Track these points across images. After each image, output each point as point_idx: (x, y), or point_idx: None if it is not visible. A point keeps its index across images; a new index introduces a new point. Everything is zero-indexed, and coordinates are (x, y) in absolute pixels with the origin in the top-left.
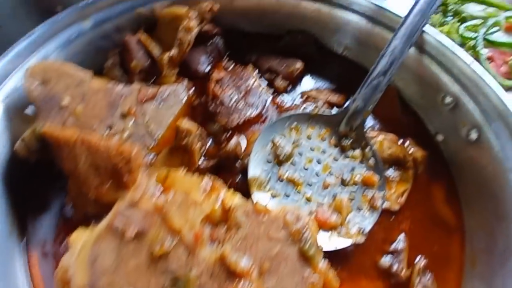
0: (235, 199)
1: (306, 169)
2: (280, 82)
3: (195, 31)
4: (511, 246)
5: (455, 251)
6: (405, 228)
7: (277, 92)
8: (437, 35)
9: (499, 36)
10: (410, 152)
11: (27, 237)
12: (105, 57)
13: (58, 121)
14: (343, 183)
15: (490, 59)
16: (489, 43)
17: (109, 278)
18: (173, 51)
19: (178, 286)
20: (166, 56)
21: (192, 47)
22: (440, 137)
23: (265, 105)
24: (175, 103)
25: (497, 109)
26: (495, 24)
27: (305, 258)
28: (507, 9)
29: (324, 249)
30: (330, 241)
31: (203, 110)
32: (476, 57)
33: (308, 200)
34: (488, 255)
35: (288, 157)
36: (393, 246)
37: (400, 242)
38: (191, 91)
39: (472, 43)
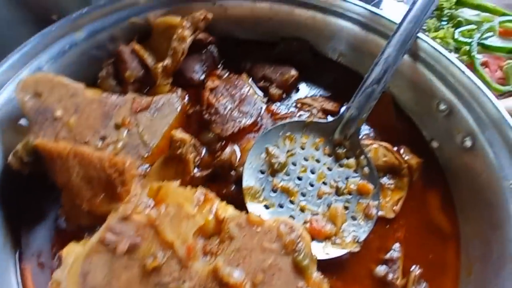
0: (228, 211)
1: (301, 179)
2: (274, 90)
3: (189, 40)
4: (506, 254)
5: (450, 259)
6: (400, 237)
7: (271, 100)
8: (431, 42)
9: (494, 41)
10: (405, 159)
11: (21, 249)
12: (99, 67)
13: (51, 133)
14: (338, 192)
15: (484, 64)
16: (484, 48)
17: None
18: (167, 61)
19: None
20: (160, 65)
21: (186, 55)
22: (435, 144)
23: (259, 113)
24: (170, 112)
25: (491, 116)
26: (489, 29)
27: (299, 269)
28: (501, 14)
29: (319, 258)
30: (324, 251)
31: (197, 118)
32: (471, 62)
33: (303, 209)
34: (483, 263)
35: (282, 166)
36: (388, 255)
37: (395, 251)
38: (186, 100)
39: (467, 48)
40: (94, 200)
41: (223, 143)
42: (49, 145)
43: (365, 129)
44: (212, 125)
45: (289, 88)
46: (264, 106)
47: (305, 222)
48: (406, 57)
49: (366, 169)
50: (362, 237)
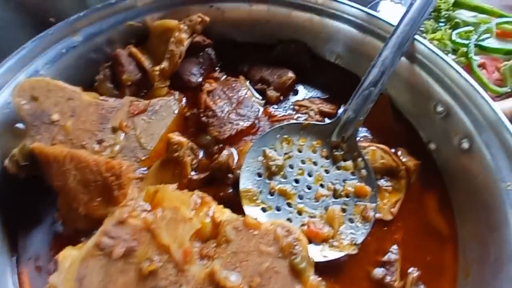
0: (225, 214)
1: (298, 181)
2: (272, 93)
3: (186, 43)
4: (503, 255)
5: (448, 261)
6: (398, 239)
7: (269, 102)
8: (428, 44)
9: (491, 43)
10: (402, 161)
11: (18, 253)
12: (97, 70)
13: (48, 137)
14: (335, 194)
15: (482, 66)
16: (481, 50)
17: None
18: (164, 64)
19: None
20: (157, 68)
21: (184, 58)
22: (432, 146)
23: (257, 115)
24: (167, 115)
25: (487, 119)
26: (486, 30)
27: (296, 272)
28: (498, 16)
29: (316, 261)
30: (322, 253)
31: (195, 121)
32: (468, 63)
33: (300, 212)
34: (481, 265)
35: (280, 169)
36: (386, 257)
37: (393, 253)
38: (183, 102)
39: (464, 49)
40: (91, 203)
41: (220, 146)
42: (45, 149)
43: (362, 131)
44: (209, 127)
45: (287, 90)
46: (261, 109)
47: (302, 225)
48: (403, 59)
49: (363, 171)
50: (360, 239)
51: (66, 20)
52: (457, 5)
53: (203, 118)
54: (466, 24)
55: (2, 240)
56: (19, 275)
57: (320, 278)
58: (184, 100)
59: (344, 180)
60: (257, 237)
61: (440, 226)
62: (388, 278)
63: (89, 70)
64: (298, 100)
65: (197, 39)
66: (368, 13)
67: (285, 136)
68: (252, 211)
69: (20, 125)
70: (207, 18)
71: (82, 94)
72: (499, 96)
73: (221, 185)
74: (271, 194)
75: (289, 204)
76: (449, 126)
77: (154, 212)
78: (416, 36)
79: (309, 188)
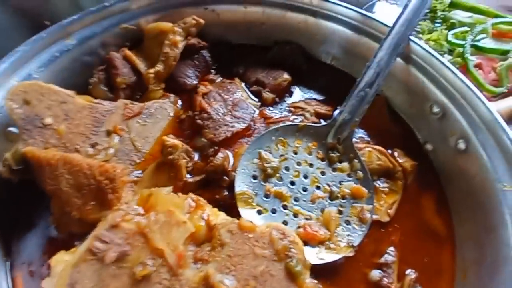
0: (219, 217)
1: (294, 183)
2: (267, 94)
3: (180, 45)
4: (500, 257)
5: (445, 263)
6: (395, 240)
7: (264, 104)
8: (424, 45)
9: (487, 43)
10: (399, 162)
11: (12, 257)
12: (91, 74)
13: (41, 140)
14: (331, 196)
15: (478, 66)
16: (477, 50)
17: None
18: (159, 66)
19: None
20: (152, 71)
21: (179, 60)
22: (429, 147)
23: (252, 117)
24: (162, 118)
25: (483, 119)
26: (482, 31)
27: (292, 275)
28: (494, 16)
29: (313, 263)
30: (318, 256)
31: (190, 124)
32: (465, 64)
33: (296, 214)
34: (478, 266)
35: (275, 171)
36: (383, 259)
37: (390, 255)
38: (179, 105)
39: (460, 50)
40: (84, 207)
41: (215, 148)
42: (37, 152)
43: (359, 132)
44: (204, 130)
45: (282, 92)
46: (257, 111)
47: (298, 227)
48: (399, 60)
49: (360, 173)
50: (357, 241)
51: (60, 23)
52: (453, 6)
53: (198, 121)
54: (462, 24)
55: None
56: (13, 280)
57: (316, 281)
58: (179, 102)
59: (340, 182)
60: (252, 240)
61: (437, 227)
62: (385, 280)
63: (83, 73)
64: (293, 102)
65: (192, 41)
66: (363, 14)
67: (281, 138)
68: (247, 213)
69: (13, 129)
70: (201, 20)
71: (76, 98)
72: (495, 96)
73: (216, 187)
74: (267, 196)
75: (285, 207)
76: (445, 126)
77: (148, 216)
78: (412, 37)
79: (305, 190)
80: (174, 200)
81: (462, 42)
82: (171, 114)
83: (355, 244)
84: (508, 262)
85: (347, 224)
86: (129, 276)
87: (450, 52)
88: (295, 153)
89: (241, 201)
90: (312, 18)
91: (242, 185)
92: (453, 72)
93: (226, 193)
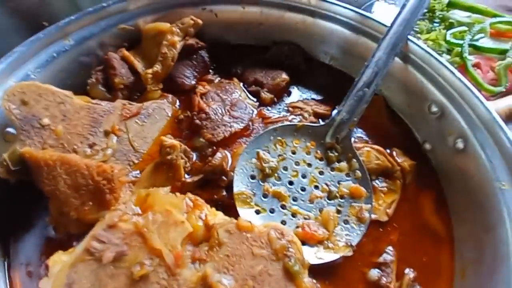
0: (217, 217)
1: (292, 183)
2: (266, 94)
3: (178, 46)
4: (498, 256)
5: (444, 262)
6: (394, 240)
7: (263, 104)
8: (422, 44)
9: (485, 42)
10: (397, 162)
11: (10, 258)
12: (89, 74)
13: (38, 141)
14: (330, 196)
15: (476, 65)
16: (476, 49)
17: None
18: (157, 67)
19: None
20: (150, 71)
21: (177, 61)
22: (427, 146)
23: (251, 117)
24: (160, 118)
25: (482, 118)
26: (481, 30)
27: (290, 275)
28: (492, 15)
29: (311, 263)
30: (317, 255)
31: (188, 124)
32: (463, 63)
33: (294, 214)
34: (477, 265)
35: (273, 171)
36: (381, 258)
37: (389, 254)
38: (177, 105)
39: (458, 49)
40: (82, 208)
41: (214, 148)
42: (35, 153)
43: (357, 132)
44: (203, 130)
45: (281, 92)
46: (255, 111)
47: (297, 227)
48: (397, 60)
49: (358, 172)
50: (355, 241)
51: (57, 23)
52: (451, 5)
53: (197, 121)
54: (460, 24)
55: None
56: (11, 280)
57: (315, 281)
58: (177, 103)
59: (338, 182)
60: (250, 240)
61: (436, 226)
62: (384, 280)
63: (81, 74)
64: (292, 102)
65: (190, 41)
66: (361, 14)
67: (279, 138)
68: (246, 213)
69: (10, 130)
70: (199, 21)
71: (74, 98)
72: (494, 96)
73: (215, 187)
74: (265, 196)
75: (283, 206)
76: (443, 126)
77: (145, 216)
78: (410, 37)
79: (303, 189)
80: (172, 200)
81: (461, 42)
82: (169, 114)
83: (354, 243)
84: (506, 261)
85: (345, 224)
86: (126, 276)
87: (449, 51)
88: (294, 153)
89: (239, 201)
90: (310, 18)
91: (240, 185)
92: (451, 71)
93: (224, 193)
